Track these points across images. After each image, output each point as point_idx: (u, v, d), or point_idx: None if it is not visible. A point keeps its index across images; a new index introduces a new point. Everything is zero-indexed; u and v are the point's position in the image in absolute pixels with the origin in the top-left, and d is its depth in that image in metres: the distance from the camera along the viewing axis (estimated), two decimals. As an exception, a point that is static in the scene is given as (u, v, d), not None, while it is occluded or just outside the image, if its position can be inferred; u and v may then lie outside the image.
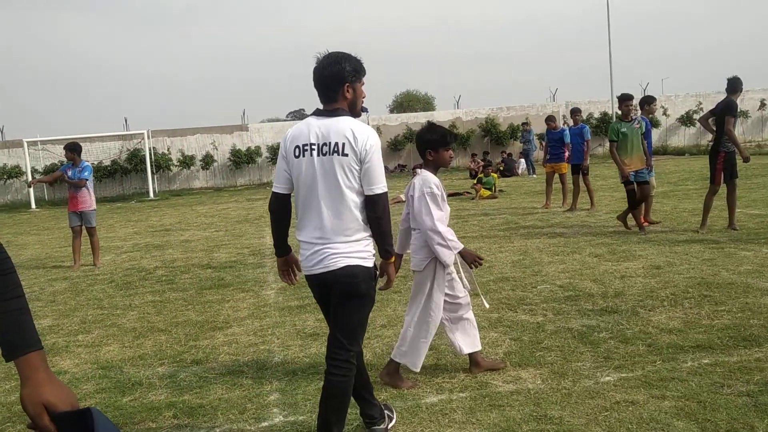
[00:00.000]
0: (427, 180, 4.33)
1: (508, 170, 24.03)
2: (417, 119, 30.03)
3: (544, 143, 15.50)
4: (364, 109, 3.58)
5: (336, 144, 3.22)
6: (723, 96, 9.59)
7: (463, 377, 4.46)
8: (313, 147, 3.27)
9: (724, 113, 9.31)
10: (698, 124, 9.62)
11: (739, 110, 10.14)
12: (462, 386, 4.31)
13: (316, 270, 3.36)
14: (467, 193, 17.89)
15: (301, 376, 4.70)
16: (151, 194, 25.64)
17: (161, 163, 26.92)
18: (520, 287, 6.84)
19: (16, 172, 25.88)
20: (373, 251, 3.44)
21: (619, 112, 10.26)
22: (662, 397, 3.90)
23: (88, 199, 10.12)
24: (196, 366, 5.10)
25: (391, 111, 57.88)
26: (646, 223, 10.12)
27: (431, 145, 4.41)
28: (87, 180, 10.03)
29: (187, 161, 27.28)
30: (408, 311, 4.53)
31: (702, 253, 7.87)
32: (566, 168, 13.64)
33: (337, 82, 3.32)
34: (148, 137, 26.56)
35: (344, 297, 3.34)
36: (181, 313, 6.80)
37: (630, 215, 10.07)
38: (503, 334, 5.33)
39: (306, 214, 3.37)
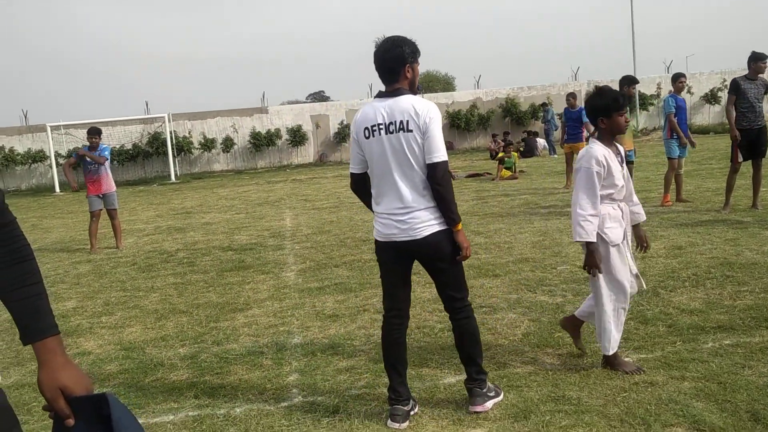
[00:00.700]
0: (590, 154, 4.03)
1: (529, 151, 23.84)
2: (437, 99, 29.84)
3: (562, 122, 15.39)
4: (419, 88, 3.82)
5: (401, 122, 3.49)
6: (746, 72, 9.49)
7: (481, 358, 4.46)
8: (381, 127, 3.53)
9: (728, 91, 9.33)
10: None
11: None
12: (480, 367, 4.31)
13: (400, 237, 3.59)
14: (488, 173, 17.80)
15: (320, 357, 4.74)
16: (173, 177, 25.83)
17: (182, 147, 27.09)
18: (539, 268, 6.81)
19: (40, 157, 26.20)
20: None
21: (633, 92, 10.25)
22: (682, 378, 3.88)
23: (110, 181, 10.27)
24: (217, 347, 5.16)
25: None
26: (669, 203, 10.16)
27: (603, 112, 4.09)
28: (107, 157, 10.24)
29: (207, 144, 27.42)
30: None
31: (725, 233, 7.77)
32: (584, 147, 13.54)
33: (399, 63, 3.55)
34: (169, 120, 26.70)
35: (437, 260, 3.64)
36: (202, 294, 6.87)
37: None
38: (522, 315, 5.32)
39: (383, 188, 3.62)
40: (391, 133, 3.50)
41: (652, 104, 29.27)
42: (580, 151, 4.19)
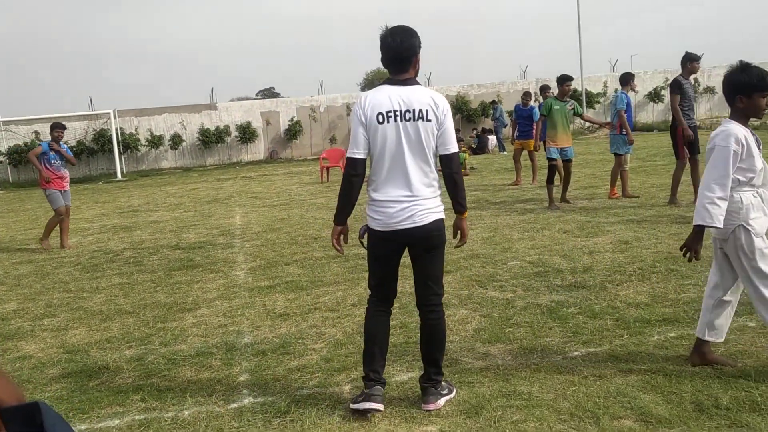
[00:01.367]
0: (728, 132, 3.68)
1: (481, 148, 24.08)
2: (388, 97, 29.87)
3: (512, 120, 15.71)
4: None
5: (420, 111, 3.54)
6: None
7: (433, 355, 4.46)
8: (396, 113, 3.54)
9: (671, 91, 9.57)
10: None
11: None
12: (432, 364, 4.31)
13: (403, 225, 3.60)
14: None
15: (270, 356, 4.67)
16: (119, 175, 25.21)
17: (129, 144, 26.46)
18: (490, 264, 6.86)
19: (-22, 154, 25.27)
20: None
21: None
22: (629, 371, 3.95)
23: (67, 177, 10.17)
24: (165, 348, 5.04)
25: (362, 89, 57.58)
26: (616, 195, 10.48)
27: (744, 90, 3.73)
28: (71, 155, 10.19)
29: (155, 141, 26.83)
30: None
31: (669, 228, 7.96)
32: (533, 145, 13.81)
33: (412, 53, 3.62)
34: (115, 117, 26.04)
35: (432, 248, 3.69)
36: (150, 295, 6.71)
37: (546, 188, 10.67)
38: (473, 311, 5.35)
39: (391, 174, 3.61)
40: (408, 120, 3.54)
41: (598, 102, 29.86)
42: (715, 130, 3.81)
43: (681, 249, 3.98)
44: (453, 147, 3.67)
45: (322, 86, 29.81)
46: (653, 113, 31.33)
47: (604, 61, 62.12)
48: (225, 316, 5.74)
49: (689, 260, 3.93)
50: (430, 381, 3.74)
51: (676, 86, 9.55)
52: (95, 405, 4.08)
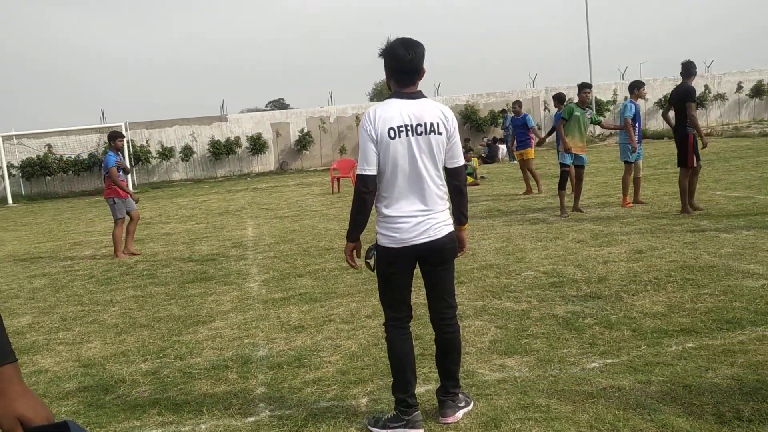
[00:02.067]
0: None
1: (491, 157, 24.06)
2: (397, 107, 29.93)
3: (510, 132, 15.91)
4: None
5: (432, 124, 3.52)
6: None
7: (449, 367, 4.44)
8: (408, 128, 3.50)
9: (685, 100, 9.50)
10: (671, 113, 9.88)
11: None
12: (449, 376, 4.28)
13: (419, 239, 3.57)
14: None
15: (286, 369, 4.66)
16: (131, 187, 25.28)
17: (140, 156, 26.60)
18: (504, 274, 6.84)
19: (-9, 168, 25.45)
20: None
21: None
22: (648, 382, 3.92)
23: None
24: (180, 361, 5.04)
25: (371, 99, 57.71)
26: (629, 205, 10.47)
27: None
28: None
29: (166, 153, 26.97)
30: None
31: (683, 237, 7.91)
32: (533, 153, 13.93)
33: (421, 66, 3.60)
34: (126, 129, 26.21)
35: (445, 261, 3.68)
36: (164, 307, 6.73)
37: (551, 193, 10.71)
38: (488, 322, 5.32)
39: (403, 190, 3.56)
40: (420, 135, 3.50)
41: (608, 110, 29.79)
42: None
43: None
44: (462, 159, 3.70)
45: (331, 97, 29.90)
46: (663, 121, 31.20)
47: (613, 69, 62.02)
48: (240, 329, 5.74)
49: None
50: (448, 394, 3.72)
51: (693, 94, 9.50)
52: (112, 419, 4.08)
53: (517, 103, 14.57)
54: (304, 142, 28.06)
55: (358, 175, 3.57)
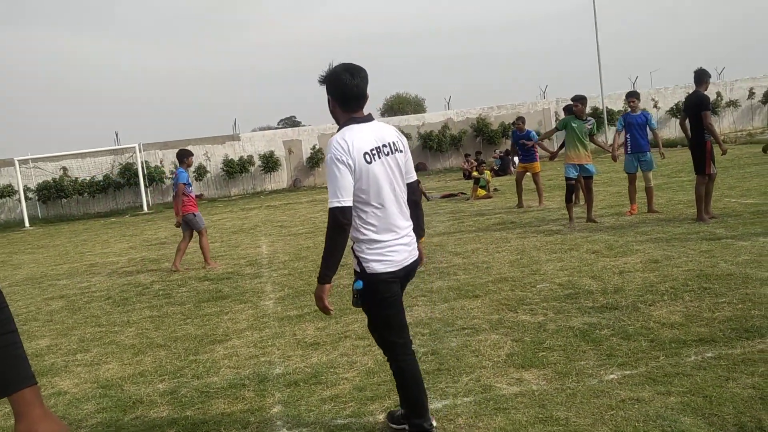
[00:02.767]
0: None
1: (503, 169, 24.06)
2: (408, 122, 30.05)
3: (513, 147, 16.28)
4: None
5: (393, 143, 3.56)
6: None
7: (466, 381, 4.42)
8: (378, 150, 3.50)
9: (700, 109, 9.48)
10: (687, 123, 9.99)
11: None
12: (465, 390, 4.27)
13: (408, 261, 3.59)
14: (462, 194, 17.88)
15: (303, 387, 4.66)
16: (145, 208, 25.55)
17: (154, 176, 26.85)
18: (519, 287, 6.81)
19: (8, 192, 25.74)
20: None
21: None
22: (667, 393, 3.88)
23: None
24: (197, 381, 5.05)
25: (382, 114, 57.90)
26: (632, 211, 10.92)
27: None
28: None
29: (179, 173, 27.15)
30: None
31: (699, 245, 7.86)
32: (539, 167, 14.11)
33: (366, 91, 3.57)
34: (140, 150, 26.48)
35: (412, 278, 3.72)
36: (180, 327, 6.75)
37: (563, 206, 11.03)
38: (504, 336, 5.30)
39: (388, 212, 3.53)
40: (387, 155, 3.52)
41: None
42: None
43: None
44: (415, 174, 3.76)
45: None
46: (676, 129, 31.05)
47: (624, 78, 61.84)
48: (256, 347, 5.75)
49: None
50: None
51: (707, 102, 9.51)
52: (131, 440, 4.09)
53: (521, 119, 14.99)
54: (316, 159, 28.19)
55: (334, 208, 3.34)
